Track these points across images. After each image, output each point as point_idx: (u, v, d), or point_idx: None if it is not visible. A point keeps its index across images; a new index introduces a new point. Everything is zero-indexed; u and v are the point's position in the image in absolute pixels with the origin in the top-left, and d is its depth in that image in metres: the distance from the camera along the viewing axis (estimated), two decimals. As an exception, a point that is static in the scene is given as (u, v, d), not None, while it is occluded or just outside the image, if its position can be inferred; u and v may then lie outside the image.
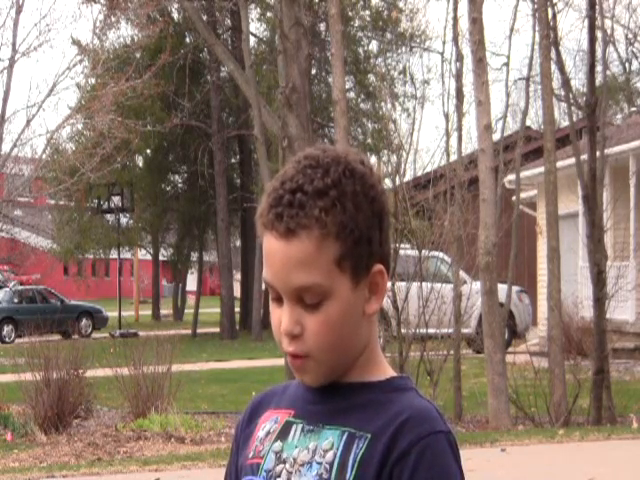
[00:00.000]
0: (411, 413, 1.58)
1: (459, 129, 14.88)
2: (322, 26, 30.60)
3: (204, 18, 26.71)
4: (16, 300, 32.13)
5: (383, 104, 31.15)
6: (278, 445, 1.64)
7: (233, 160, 35.89)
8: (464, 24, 14.53)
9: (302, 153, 1.60)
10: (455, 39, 14.91)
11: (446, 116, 15.11)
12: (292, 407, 1.67)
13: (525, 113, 17.94)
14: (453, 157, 15.11)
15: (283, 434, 1.65)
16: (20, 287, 35.20)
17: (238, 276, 37.14)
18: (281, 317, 1.57)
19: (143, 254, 47.40)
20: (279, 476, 1.62)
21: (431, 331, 12.98)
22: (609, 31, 14.83)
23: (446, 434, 1.58)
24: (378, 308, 1.60)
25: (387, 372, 1.65)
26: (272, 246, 1.54)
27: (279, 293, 1.57)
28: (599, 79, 14.42)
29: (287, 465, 1.62)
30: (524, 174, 19.53)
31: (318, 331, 1.55)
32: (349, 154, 1.59)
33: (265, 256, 1.56)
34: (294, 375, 1.66)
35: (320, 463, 1.59)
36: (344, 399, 1.62)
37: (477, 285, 13.18)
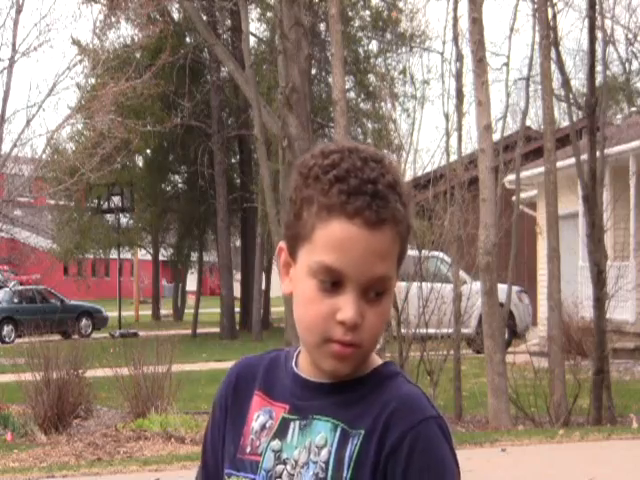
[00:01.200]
0: (399, 402, 1.59)
1: (459, 129, 14.87)
2: (322, 26, 30.60)
3: (204, 18, 26.72)
4: (16, 300, 32.12)
5: (383, 104, 31.17)
6: (277, 444, 1.64)
7: (233, 160, 35.89)
8: (464, 24, 14.53)
9: (345, 143, 1.63)
10: (455, 39, 14.91)
11: (446, 116, 15.11)
12: (286, 402, 1.67)
13: (525, 113, 17.94)
14: (453, 157, 15.11)
15: (281, 433, 1.65)
16: (20, 287, 35.20)
17: (238, 276, 37.13)
18: (334, 306, 1.57)
19: (143, 254, 47.40)
20: (280, 477, 1.62)
21: (431, 331, 12.98)
22: (609, 31, 14.84)
23: (436, 419, 1.59)
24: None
25: (373, 362, 1.66)
26: (352, 234, 1.55)
27: (341, 282, 1.57)
28: (599, 79, 14.42)
29: (288, 467, 1.62)
30: (524, 174, 19.53)
31: (375, 323, 1.58)
32: (380, 152, 1.65)
33: (336, 244, 1.55)
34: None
35: (315, 462, 1.59)
36: (336, 395, 1.63)
37: (477, 285, 13.19)
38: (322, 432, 1.61)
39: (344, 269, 1.56)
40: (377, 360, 1.67)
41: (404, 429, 1.56)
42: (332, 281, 1.57)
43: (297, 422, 1.64)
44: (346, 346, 1.58)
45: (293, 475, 1.61)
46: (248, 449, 1.67)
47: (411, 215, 1.61)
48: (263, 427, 1.67)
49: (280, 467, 1.62)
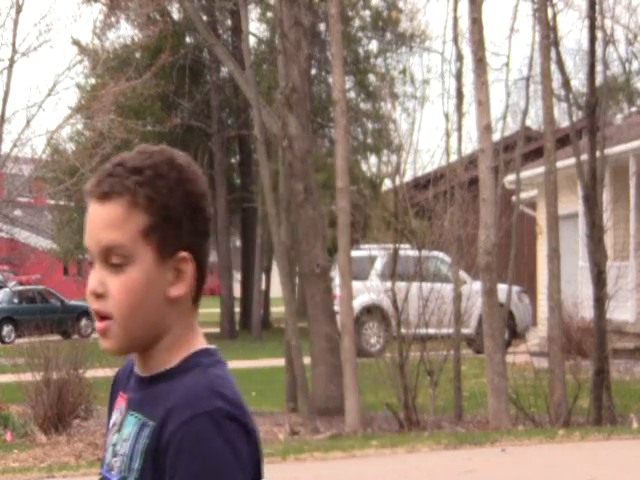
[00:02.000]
0: (179, 397, 1.61)
1: (459, 129, 14.87)
2: (322, 26, 30.60)
3: (204, 18, 26.72)
4: (16, 300, 32.10)
5: (383, 104, 31.19)
6: (115, 438, 1.72)
7: (233, 160, 35.88)
8: (464, 24, 14.54)
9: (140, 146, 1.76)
10: (455, 39, 14.92)
11: (446, 116, 15.11)
12: (128, 394, 1.75)
13: (525, 113, 17.92)
14: (453, 157, 15.11)
15: (120, 426, 1.72)
16: (20, 287, 35.18)
17: (238, 276, 37.13)
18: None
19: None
20: (113, 469, 1.69)
21: (431, 331, 12.98)
22: (609, 31, 14.80)
23: (210, 413, 1.57)
24: (181, 294, 1.68)
25: (186, 353, 1.69)
26: (90, 210, 1.69)
27: (92, 257, 1.70)
28: (599, 79, 14.41)
29: (118, 457, 1.69)
30: (524, 174, 19.52)
31: (119, 292, 1.65)
32: (180, 155, 1.73)
33: (86, 223, 1.70)
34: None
35: (122, 455, 1.67)
36: (148, 389, 1.69)
37: (477, 285, 13.19)
38: (129, 427, 1.67)
39: (87, 243, 1.70)
40: (195, 347, 1.70)
41: (174, 427, 1.58)
42: (90, 260, 1.70)
43: (127, 416, 1.71)
44: (99, 319, 1.68)
45: (120, 467, 1.68)
46: (104, 445, 1.78)
47: (162, 192, 1.66)
48: (114, 423, 1.75)
49: (114, 459, 1.70)
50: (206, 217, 1.71)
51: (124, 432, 1.68)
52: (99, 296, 1.67)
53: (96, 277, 1.68)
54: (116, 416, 1.75)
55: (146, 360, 1.71)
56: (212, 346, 1.73)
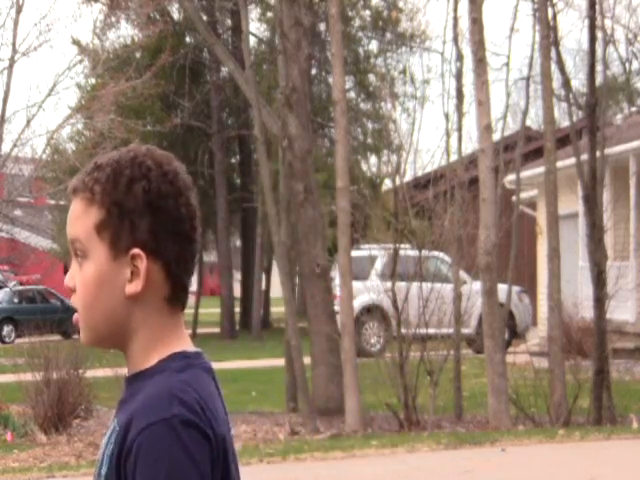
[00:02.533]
0: (141, 403, 1.61)
1: (459, 129, 14.87)
2: (322, 26, 30.60)
3: (204, 18, 26.72)
4: (16, 300, 32.11)
5: (383, 104, 31.18)
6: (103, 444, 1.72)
7: (233, 160, 35.88)
8: (464, 24, 14.54)
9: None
10: (455, 39, 14.92)
11: (446, 116, 15.11)
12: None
13: (525, 113, 17.93)
14: (453, 157, 15.10)
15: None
16: (20, 287, 35.19)
17: (238, 276, 37.13)
18: None
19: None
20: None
21: (431, 331, 12.98)
22: (609, 31, 14.81)
23: (168, 421, 1.56)
24: (136, 291, 1.67)
25: (162, 356, 1.68)
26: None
27: None
28: (599, 79, 14.41)
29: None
30: (524, 174, 19.52)
31: (79, 287, 1.70)
32: (156, 155, 1.72)
33: None
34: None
35: (99, 461, 1.67)
36: (125, 391, 1.70)
37: (477, 285, 13.19)
38: (107, 433, 1.67)
39: None
40: (173, 350, 1.69)
41: (134, 434, 1.57)
42: None
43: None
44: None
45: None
46: None
47: (118, 189, 1.68)
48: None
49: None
50: (175, 217, 1.68)
51: (104, 439, 1.68)
52: (72, 290, 1.72)
53: (70, 271, 1.73)
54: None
55: (127, 360, 1.72)
56: (192, 349, 1.71)
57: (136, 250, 1.67)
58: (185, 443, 1.55)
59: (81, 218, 1.70)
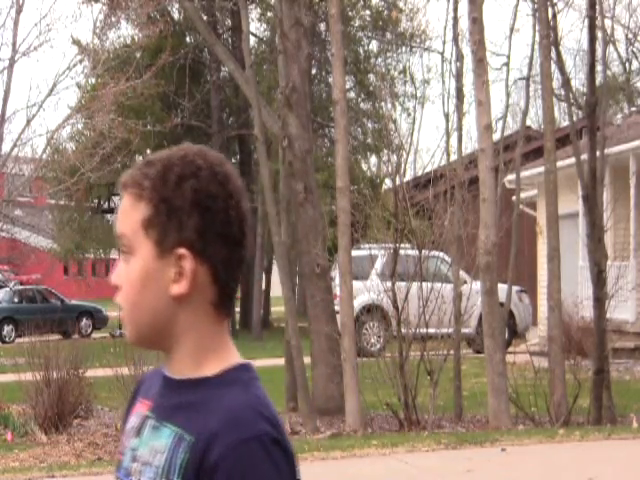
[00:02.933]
0: (225, 417, 1.58)
1: (459, 129, 14.87)
2: (322, 26, 30.60)
3: (204, 18, 26.71)
4: (16, 300, 32.10)
5: (383, 104, 31.14)
6: (134, 442, 1.69)
7: (233, 160, 35.87)
8: (464, 24, 14.53)
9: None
10: (455, 39, 14.92)
11: (446, 116, 15.11)
12: (151, 399, 1.72)
13: (525, 113, 17.96)
14: (453, 157, 15.11)
15: (140, 430, 1.70)
16: (20, 287, 35.16)
17: (238, 276, 37.07)
18: None
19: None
20: (132, 474, 1.67)
21: (431, 331, 12.98)
22: (609, 31, 14.84)
23: (259, 438, 1.56)
24: (182, 292, 1.64)
25: (225, 365, 1.66)
26: None
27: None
28: (599, 79, 14.42)
29: (139, 463, 1.67)
30: (524, 174, 19.53)
31: (124, 283, 1.67)
32: (207, 155, 1.70)
33: None
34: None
35: (154, 466, 1.63)
36: (180, 396, 1.66)
37: (477, 285, 13.18)
38: (163, 439, 1.63)
39: None
40: (227, 363, 1.67)
41: (222, 451, 1.55)
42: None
43: (152, 420, 1.68)
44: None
45: (141, 472, 1.65)
46: (120, 449, 1.74)
47: (168, 186, 1.66)
48: (132, 427, 1.72)
49: (134, 465, 1.67)
50: (223, 219, 1.65)
51: (156, 443, 1.64)
52: (115, 287, 1.69)
53: (116, 268, 1.70)
54: (134, 420, 1.72)
55: (171, 362, 1.69)
56: (246, 361, 1.71)
57: (182, 250, 1.64)
58: (275, 460, 1.57)
59: (128, 213, 1.68)
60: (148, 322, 1.66)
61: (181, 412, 1.63)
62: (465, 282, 14.90)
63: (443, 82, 17.08)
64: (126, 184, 1.69)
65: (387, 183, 28.83)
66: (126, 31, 35.96)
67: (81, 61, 21.64)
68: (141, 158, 36.14)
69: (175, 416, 1.64)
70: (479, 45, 12.18)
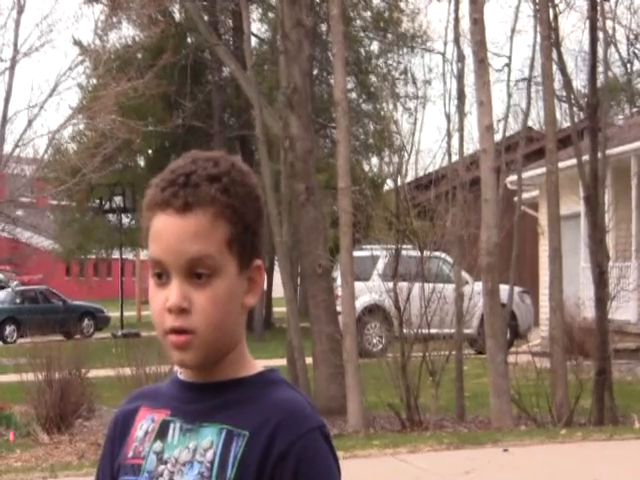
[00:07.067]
0: (285, 410, 1.63)
1: (461, 130, 14.87)
2: (323, 27, 30.59)
3: (206, 18, 26.72)
4: (18, 300, 32.12)
5: (385, 104, 31.17)
6: (158, 445, 1.68)
7: (235, 160, 35.87)
8: (465, 25, 14.54)
9: (189, 153, 1.71)
10: (456, 40, 14.92)
11: (448, 117, 15.12)
12: (167, 407, 1.71)
13: (527, 114, 17.93)
14: (455, 158, 15.11)
15: (162, 434, 1.69)
16: (22, 287, 35.21)
17: (239, 276, 37.08)
18: (167, 296, 1.61)
19: (145, 254, 47.41)
20: (161, 476, 1.66)
21: (433, 331, 12.98)
22: (610, 32, 14.85)
23: (321, 429, 1.64)
24: (254, 303, 1.66)
25: (257, 367, 1.70)
26: (165, 223, 1.61)
27: (166, 271, 1.61)
28: (601, 80, 14.43)
29: (169, 465, 1.66)
30: (526, 175, 19.53)
31: (206, 307, 1.60)
32: (238, 159, 1.71)
33: (154, 236, 1.62)
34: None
35: (201, 462, 1.63)
36: (219, 396, 1.67)
37: (479, 286, 13.18)
38: (209, 436, 1.64)
39: (162, 256, 1.60)
40: (258, 366, 1.70)
41: (292, 438, 1.60)
42: (158, 272, 1.62)
43: (178, 424, 1.68)
44: (179, 334, 1.61)
45: (173, 472, 1.65)
46: (130, 454, 1.71)
47: (240, 199, 1.63)
48: (146, 433, 1.71)
49: (162, 467, 1.67)
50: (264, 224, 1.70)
51: (198, 442, 1.64)
52: (182, 311, 1.60)
53: (179, 291, 1.60)
54: (147, 425, 1.71)
55: (215, 369, 1.67)
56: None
57: (258, 261, 1.65)
58: (332, 450, 1.67)
59: (208, 233, 1.59)
60: (227, 341, 1.65)
61: (223, 411, 1.65)
62: (467, 283, 14.91)
63: (444, 83, 17.05)
64: (193, 203, 1.60)
65: (389, 184, 28.85)
66: (127, 31, 35.97)
67: (82, 61, 21.67)
68: (142, 158, 36.12)
69: (215, 415, 1.65)
70: (480, 46, 12.18)
